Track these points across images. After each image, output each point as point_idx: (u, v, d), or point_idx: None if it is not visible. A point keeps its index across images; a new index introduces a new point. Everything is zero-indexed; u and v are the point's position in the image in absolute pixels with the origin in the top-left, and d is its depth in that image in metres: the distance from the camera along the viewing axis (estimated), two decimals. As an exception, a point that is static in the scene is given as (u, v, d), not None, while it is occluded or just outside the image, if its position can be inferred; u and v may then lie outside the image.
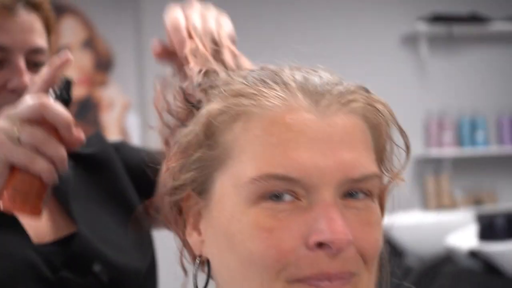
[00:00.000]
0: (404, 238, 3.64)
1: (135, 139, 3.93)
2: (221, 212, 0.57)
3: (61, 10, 3.85)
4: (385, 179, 0.60)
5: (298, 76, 0.58)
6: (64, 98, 0.81)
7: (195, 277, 0.62)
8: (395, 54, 4.53)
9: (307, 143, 0.54)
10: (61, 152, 0.78)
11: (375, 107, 0.59)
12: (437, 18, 4.43)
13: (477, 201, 4.38)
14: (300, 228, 0.53)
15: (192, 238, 0.62)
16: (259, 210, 0.54)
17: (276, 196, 0.54)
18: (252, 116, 0.56)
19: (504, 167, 4.57)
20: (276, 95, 0.56)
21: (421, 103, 4.45)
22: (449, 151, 4.35)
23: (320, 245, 0.52)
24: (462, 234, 3.57)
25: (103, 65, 3.96)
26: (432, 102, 4.47)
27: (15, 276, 0.89)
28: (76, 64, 3.89)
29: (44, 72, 0.83)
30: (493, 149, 4.46)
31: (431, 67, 4.48)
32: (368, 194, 0.56)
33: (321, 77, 0.59)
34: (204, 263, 0.62)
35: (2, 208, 0.76)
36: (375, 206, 0.57)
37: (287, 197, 0.54)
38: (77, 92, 3.76)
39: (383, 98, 0.62)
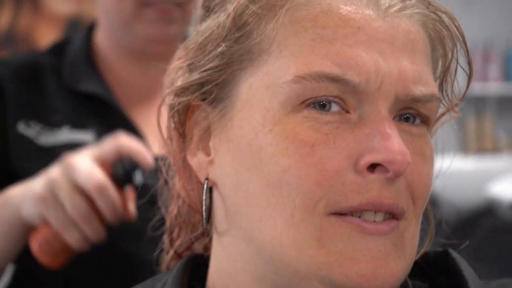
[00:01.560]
0: (439, 186, 3.39)
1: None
2: (245, 121, 0.51)
3: None
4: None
5: None
6: (124, 181, 0.84)
7: (206, 205, 0.56)
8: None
9: (367, 42, 0.49)
10: (98, 231, 0.81)
11: (439, 17, 0.54)
12: None
13: (524, 145, 4.38)
14: (348, 146, 0.48)
15: (197, 158, 0.56)
16: (299, 119, 0.48)
17: (321, 105, 0.49)
18: (300, 4, 0.51)
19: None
20: None
21: (465, 32, 4.06)
22: (494, 87, 4.19)
23: (373, 167, 0.47)
24: (505, 183, 3.41)
25: None
26: (477, 32, 4.23)
27: None
28: None
29: (121, 143, 0.87)
30: (544, 86, 4.46)
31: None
32: (425, 121, 0.52)
33: None
34: (206, 189, 0.57)
35: (32, 251, 0.82)
36: (429, 137, 0.54)
37: (334, 107, 0.49)
38: (67, 9, 3.77)
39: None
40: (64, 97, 1.09)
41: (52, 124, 1.06)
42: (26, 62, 1.14)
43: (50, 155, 1.02)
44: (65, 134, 1.05)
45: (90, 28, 1.17)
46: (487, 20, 4.20)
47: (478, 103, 4.18)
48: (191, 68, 0.56)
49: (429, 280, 0.60)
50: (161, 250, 0.67)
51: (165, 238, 0.65)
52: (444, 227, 0.58)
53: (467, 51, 0.55)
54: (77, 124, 1.06)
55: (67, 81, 1.10)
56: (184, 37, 0.94)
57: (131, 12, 1.04)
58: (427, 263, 0.59)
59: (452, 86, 0.56)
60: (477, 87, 4.18)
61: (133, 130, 1.02)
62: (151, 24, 1.05)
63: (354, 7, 0.50)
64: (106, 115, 1.06)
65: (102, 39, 1.14)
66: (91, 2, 3.74)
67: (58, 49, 1.16)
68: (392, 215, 0.48)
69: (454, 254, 0.58)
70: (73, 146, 1.01)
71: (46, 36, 3.71)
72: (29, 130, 1.05)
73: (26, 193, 0.86)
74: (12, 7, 3.76)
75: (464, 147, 4.14)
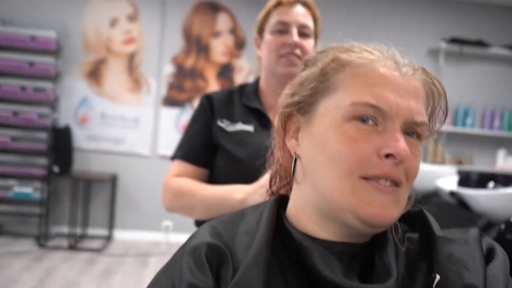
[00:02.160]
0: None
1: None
2: (320, 124, 0.52)
3: (219, 9, 3.97)
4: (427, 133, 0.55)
5: (388, 50, 0.55)
6: None
7: (293, 167, 0.57)
8: (422, 62, 4.01)
9: (393, 89, 0.50)
10: None
11: (433, 82, 0.55)
12: (454, 40, 4.20)
13: (459, 162, 4.29)
14: (375, 143, 0.49)
15: (291, 142, 0.57)
16: (350, 125, 0.50)
17: (362, 120, 0.50)
18: (357, 65, 0.52)
19: (480, 142, 4.41)
20: (375, 55, 0.53)
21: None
22: (446, 127, 4.21)
23: (388, 156, 0.48)
24: (446, 181, 3.34)
25: (240, 45, 4.02)
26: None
27: (256, 152, 0.95)
28: (225, 43, 4.01)
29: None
30: (476, 130, 4.28)
31: (445, 74, 4.31)
32: (418, 136, 0.52)
33: (400, 54, 0.55)
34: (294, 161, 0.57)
35: None
36: (420, 145, 0.53)
37: (370, 122, 0.50)
38: (223, 59, 3.95)
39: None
40: (241, 109, 1.14)
41: (233, 121, 1.11)
42: (227, 92, 1.18)
43: (232, 136, 1.09)
44: (239, 126, 1.10)
45: (258, 79, 1.20)
46: (448, 91, 4.34)
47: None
48: (293, 94, 0.56)
49: (410, 224, 0.58)
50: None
51: (268, 183, 0.65)
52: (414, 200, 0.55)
53: (446, 102, 0.55)
54: (245, 121, 1.11)
55: (244, 101, 1.15)
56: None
57: (275, 61, 1.09)
58: (409, 215, 0.58)
59: (435, 121, 0.55)
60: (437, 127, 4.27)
61: (271, 125, 0.92)
62: (284, 66, 1.08)
63: (388, 70, 0.51)
64: (260, 118, 1.11)
65: (262, 83, 1.17)
66: (235, 57, 3.95)
67: (242, 86, 1.20)
68: (395, 184, 0.49)
69: (425, 211, 0.58)
70: (244, 132, 1.09)
71: (210, 72, 3.97)
72: (223, 124, 1.11)
73: (248, 198, 0.91)
74: (195, 55, 3.96)
75: (425, 159, 4.15)
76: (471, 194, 3.03)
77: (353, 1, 4.17)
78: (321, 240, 0.52)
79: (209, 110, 1.13)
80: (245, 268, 0.48)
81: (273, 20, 1.10)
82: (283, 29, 1.09)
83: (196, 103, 3.82)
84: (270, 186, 0.63)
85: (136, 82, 3.93)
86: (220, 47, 3.98)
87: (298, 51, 1.08)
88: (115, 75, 3.89)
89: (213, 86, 3.99)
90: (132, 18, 3.88)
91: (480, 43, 4.23)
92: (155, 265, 3.32)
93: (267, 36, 1.12)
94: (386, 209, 0.48)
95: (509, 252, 1.35)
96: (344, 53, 0.54)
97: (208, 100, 1.15)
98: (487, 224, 2.69)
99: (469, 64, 4.40)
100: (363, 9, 4.10)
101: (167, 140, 3.94)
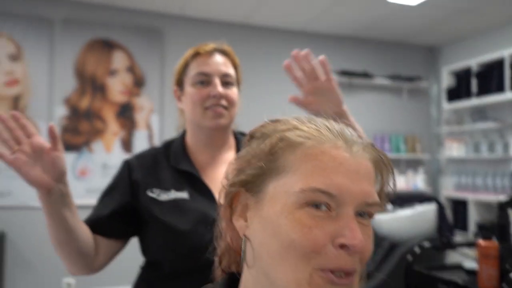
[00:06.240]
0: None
1: (156, 132, 3.84)
2: (271, 208, 0.50)
3: (113, 46, 3.76)
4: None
5: (337, 127, 0.53)
6: None
7: (243, 250, 0.54)
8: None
9: (344, 172, 0.48)
10: None
11: (382, 159, 0.53)
12: (343, 73, 4.46)
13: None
14: (330, 230, 0.47)
15: (239, 222, 0.54)
16: (303, 212, 0.48)
17: (315, 205, 0.48)
18: (308, 147, 0.50)
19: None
20: (324, 134, 0.51)
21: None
22: None
23: (342, 246, 0.47)
24: None
25: (139, 83, 3.82)
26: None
27: (196, 222, 0.97)
28: (123, 82, 3.77)
29: None
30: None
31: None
32: (370, 216, 0.51)
33: (349, 131, 0.53)
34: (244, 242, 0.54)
35: None
36: (371, 224, 0.52)
37: (323, 207, 0.48)
38: (121, 99, 3.72)
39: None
40: (170, 173, 1.05)
41: (165, 188, 1.02)
42: (151, 154, 1.10)
43: (167, 205, 1.00)
44: (172, 194, 1.02)
45: (184, 133, 1.14)
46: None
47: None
48: (239, 171, 0.54)
49: None
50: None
51: (216, 261, 0.61)
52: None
53: (393, 176, 0.54)
54: (178, 188, 1.02)
55: (172, 163, 1.06)
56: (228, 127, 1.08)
57: (201, 114, 1.05)
58: None
59: (384, 196, 0.53)
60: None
61: (207, 189, 1.02)
62: (211, 119, 1.04)
63: (338, 151, 0.49)
64: (193, 182, 1.03)
65: (189, 139, 1.11)
66: (135, 95, 3.75)
67: (167, 145, 1.13)
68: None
69: None
70: (177, 200, 1.01)
71: (108, 112, 3.68)
72: (153, 194, 1.02)
73: None
74: (90, 95, 3.65)
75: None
76: (374, 219, 3.18)
77: (260, 36, 4.24)
78: None
79: (129, 180, 1.05)
80: None
81: (192, 71, 1.07)
82: (205, 80, 1.06)
83: (94, 145, 3.65)
84: (220, 263, 0.60)
85: (23, 127, 3.48)
86: (117, 86, 3.73)
87: (223, 102, 1.05)
88: (-4, 120, 3.41)
89: (112, 127, 3.73)
90: (15, 57, 3.48)
91: (366, 75, 4.54)
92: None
93: (189, 88, 1.08)
94: None
95: (416, 281, 1.34)
96: (292, 132, 0.52)
97: (129, 168, 1.07)
98: (391, 246, 2.85)
99: (358, 94, 4.66)
100: (267, 43, 4.17)
101: (63, 189, 3.53)
